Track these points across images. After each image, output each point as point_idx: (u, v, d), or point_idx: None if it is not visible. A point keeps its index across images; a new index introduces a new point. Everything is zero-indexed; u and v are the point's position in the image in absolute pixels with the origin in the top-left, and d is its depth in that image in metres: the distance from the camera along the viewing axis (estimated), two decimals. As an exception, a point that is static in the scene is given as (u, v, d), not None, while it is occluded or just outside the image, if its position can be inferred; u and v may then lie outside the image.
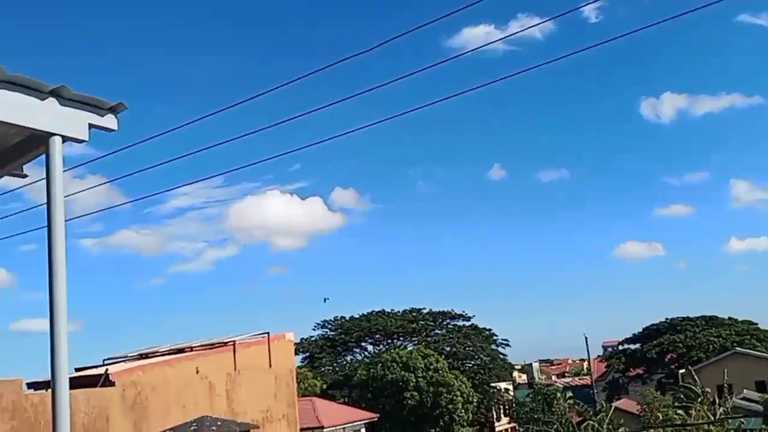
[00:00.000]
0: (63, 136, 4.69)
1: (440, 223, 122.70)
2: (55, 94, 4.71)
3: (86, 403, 15.27)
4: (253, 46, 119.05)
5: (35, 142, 4.91)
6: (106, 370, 16.97)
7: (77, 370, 19.69)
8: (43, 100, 4.65)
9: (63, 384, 4.27)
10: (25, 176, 5.62)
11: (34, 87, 4.60)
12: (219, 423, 14.89)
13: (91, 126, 4.88)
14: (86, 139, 4.81)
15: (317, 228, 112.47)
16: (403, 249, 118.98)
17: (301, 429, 24.72)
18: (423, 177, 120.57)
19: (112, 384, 16.16)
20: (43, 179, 4.77)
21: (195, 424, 14.73)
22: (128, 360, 20.90)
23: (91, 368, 19.28)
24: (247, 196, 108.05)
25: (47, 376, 4.66)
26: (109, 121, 5.01)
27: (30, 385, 15.71)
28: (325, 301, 75.88)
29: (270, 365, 20.53)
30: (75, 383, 16.15)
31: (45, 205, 4.68)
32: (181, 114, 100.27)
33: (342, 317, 70.72)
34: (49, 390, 4.52)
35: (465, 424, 52.41)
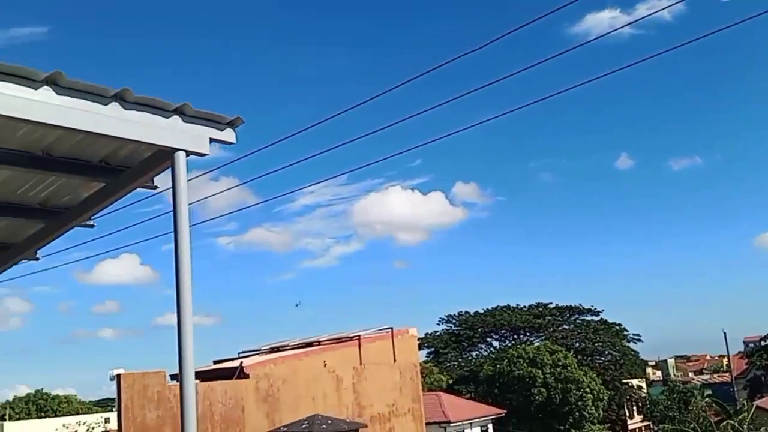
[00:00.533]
0: (186, 151, 5.08)
1: (565, 215, 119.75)
2: (179, 111, 5.10)
3: (223, 395, 16.18)
4: (373, 43, 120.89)
5: (162, 157, 5.34)
6: (241, 362, 17.90)
7: (215, 362, 20.87)
8: (167, 118, 5.05)
9: (189, 379, 4.66)
10: (155, 188, 6.08)
11: (159, 106, 5.01)
12: (329, 422, 15.39)
13: (211, 140, 5.26)
14: (207, 152, 5.19)
15: (439, 222, 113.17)
16: (526, 242, 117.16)
17: (428, 423, 24.98)
18: (546, 168, 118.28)
19: (246, 376, 17.01)
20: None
21: (306, 422, 15.30)
22: (261, 353, 21.91)
23: (228, 361, 20.38)
24: (370, 193, 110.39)
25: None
26: (228, 135, 5.37)
27: (173, 377, 16.80)
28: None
29: (394, 360, 20.88)
30: (213, 375, 17.18)
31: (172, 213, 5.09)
32: (301, 112, 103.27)
33: (466, 312, 70.49)
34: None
35: (595, 421, 50.97)
